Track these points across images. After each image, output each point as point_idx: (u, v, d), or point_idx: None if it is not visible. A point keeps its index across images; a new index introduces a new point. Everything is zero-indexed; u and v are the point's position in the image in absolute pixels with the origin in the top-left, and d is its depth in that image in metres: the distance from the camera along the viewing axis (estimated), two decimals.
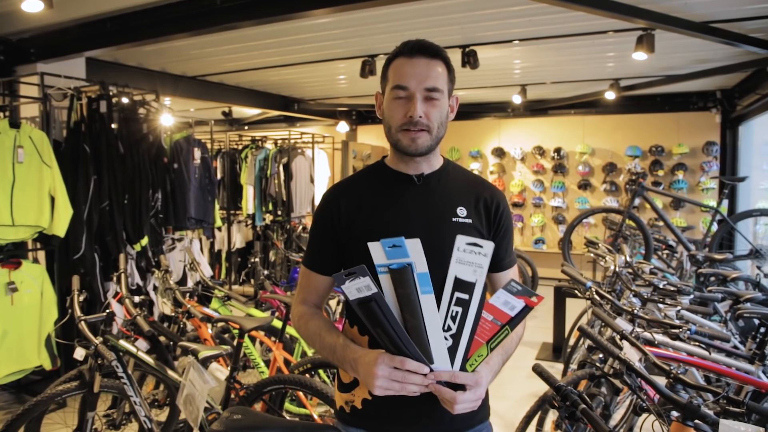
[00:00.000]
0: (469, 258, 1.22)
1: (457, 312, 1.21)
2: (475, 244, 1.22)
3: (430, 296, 1.19)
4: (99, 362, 2.55)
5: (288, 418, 3.25)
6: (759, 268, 5.06)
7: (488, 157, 9.34)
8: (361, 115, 9.99)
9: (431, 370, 1.20)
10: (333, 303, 4.59)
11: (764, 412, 1.71)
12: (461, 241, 1.23)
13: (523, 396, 4.20)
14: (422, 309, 1.18)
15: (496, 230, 1.47)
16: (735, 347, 2.92)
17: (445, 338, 1.21)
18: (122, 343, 2.62)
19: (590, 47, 5.38)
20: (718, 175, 7.67)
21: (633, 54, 4.63)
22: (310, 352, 3.72)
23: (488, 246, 1.22)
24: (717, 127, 7.82)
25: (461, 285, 1.22)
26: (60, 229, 3.90)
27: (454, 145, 9.34)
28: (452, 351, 1.21)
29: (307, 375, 2.95)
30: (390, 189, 1.46)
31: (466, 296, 1.21)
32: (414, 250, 1.18)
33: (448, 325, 1.21)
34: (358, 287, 1.14)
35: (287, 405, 3.34)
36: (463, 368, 1.23)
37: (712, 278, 4.33)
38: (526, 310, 1.20)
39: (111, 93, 4.39)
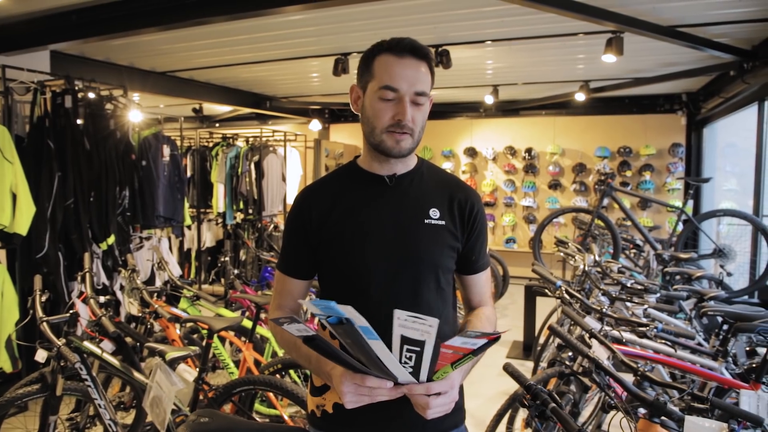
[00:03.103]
0: (414, 326, 1.10)
1: (411, 356, 1.13)
2: (417, 317, 1.09)
3: (379, 342, 1.10)
4: (62, 364, 2.47)
5: (258, 419, 3.21)
6: (722, 266, 5.19)
7: (460, 156, 9.41)
8: (334, 114, 9.95)
9: (396, 383, 1.15)
10: (304, 303, 4.55)
11: (727, 408, 1.75)
12: (401, 314, 1.10)
13: (494, 394, 4.24)
14: (374, 351, 1.11)
15: (470, 232, 1.45)
16: (699, 344, 2.99)
17: (404, 366, 1.15)
18: (86, 344, 2.55)
19: (561, 49, 5.45)
20: (683, 176, 7.86)
21: (602, 56, 4.70)
22: (280, 353, 3.68)
23: (433, 322, 1.08)
24: (682, 129, 8.02)
25: (410, 341, 1.11)
26: (22, 227, 3.78)
27: (427, 145, 9.38)
28: (415, 375, 1.16)
29: (277, 375, 2.92)
30: (362, 190, 1.44)
31: (417, 349, 1.12)
32: (350, 314, 1.07)
33: (405, 361, 1.14)
34: (297, 329, 1.08)
35: (257, 406, 3.31)
36: (429, 380, 1.17)
37: (678, 277, 4.43)
38: (489, 343, 1.11)
39: (77, 87, 4.28)
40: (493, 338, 1.10)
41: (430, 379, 1.17)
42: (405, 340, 1.13)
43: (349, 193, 1.44)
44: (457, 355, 1.14)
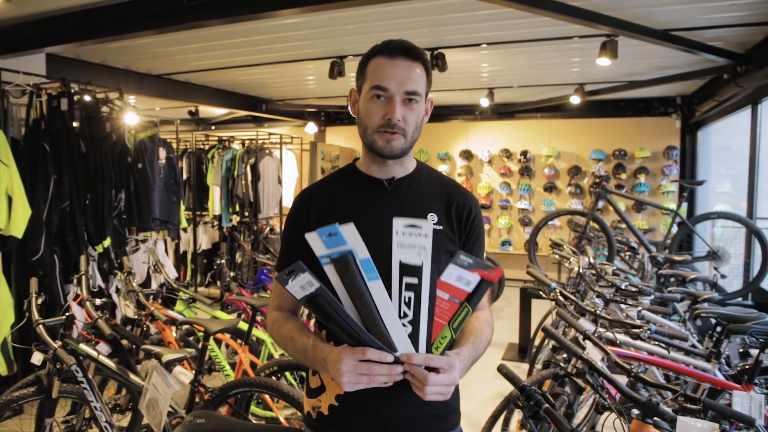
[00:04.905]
0: (411, 241, 1.16)
1: (409, 297, 1.16)
2: (414, 225, 1.16)
3: (378, 282, 1.14)
4: (58, 367, 2.47)
5: (254, 421, 3.21)
6: (716, 269, 5.21)
7: (456, 159, 9.43)
8: (330, 116, 9.96)
9: (396, 359, 1.16)
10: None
11: (719, 409, 1.77)
12: (399, 223, 1.17)
13: (490, 396, 4.25)
14: (372, 296, 1.14)
15: (467, 236, 1.45)
16: (693, 346, 3.01)
17: (404, 325, 1.16)
18: (82, 346, 2.55)
19: (556, 52, 5.48)
20: (678, 179, 7.90)
21: (597, 59, 4.72)
22: (276, 355, 3.69)
23: (427, 226, 1.17)
24: (677, 132, 8.06)
25: (408, 269, 1.16)
26: (17, 230, 3.77)
27: (423, 147, 9.40)
28: (414, 337, 1.17)
29: (273, 377, 2.92)
30: (360, 193, 1.44)
31: (415, 280, 1.16)
32: (351, 237, 1.14)
33: (404, 312, 1.16)
34: (301, 285, 1.10)
35: (253, 408, 3.31)
36: (429, 353, 1.19)
37: (672, 279, 4.45)
38: (485, 284, 1.13)
39: (72, 90, 4.28)
40: (490, 278, 1.11)
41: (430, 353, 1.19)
42: (403, 269, 1.15)
43: (347, 195, 1.44)
44: (454, 305, 1.15)
